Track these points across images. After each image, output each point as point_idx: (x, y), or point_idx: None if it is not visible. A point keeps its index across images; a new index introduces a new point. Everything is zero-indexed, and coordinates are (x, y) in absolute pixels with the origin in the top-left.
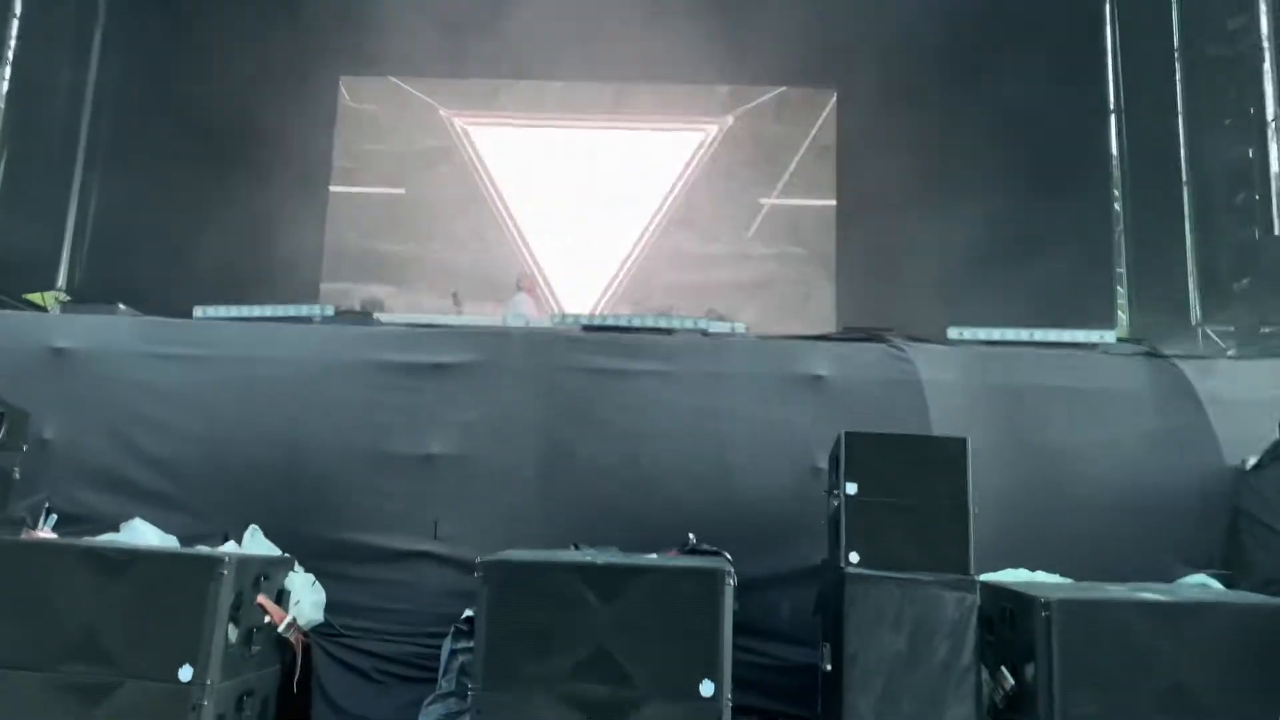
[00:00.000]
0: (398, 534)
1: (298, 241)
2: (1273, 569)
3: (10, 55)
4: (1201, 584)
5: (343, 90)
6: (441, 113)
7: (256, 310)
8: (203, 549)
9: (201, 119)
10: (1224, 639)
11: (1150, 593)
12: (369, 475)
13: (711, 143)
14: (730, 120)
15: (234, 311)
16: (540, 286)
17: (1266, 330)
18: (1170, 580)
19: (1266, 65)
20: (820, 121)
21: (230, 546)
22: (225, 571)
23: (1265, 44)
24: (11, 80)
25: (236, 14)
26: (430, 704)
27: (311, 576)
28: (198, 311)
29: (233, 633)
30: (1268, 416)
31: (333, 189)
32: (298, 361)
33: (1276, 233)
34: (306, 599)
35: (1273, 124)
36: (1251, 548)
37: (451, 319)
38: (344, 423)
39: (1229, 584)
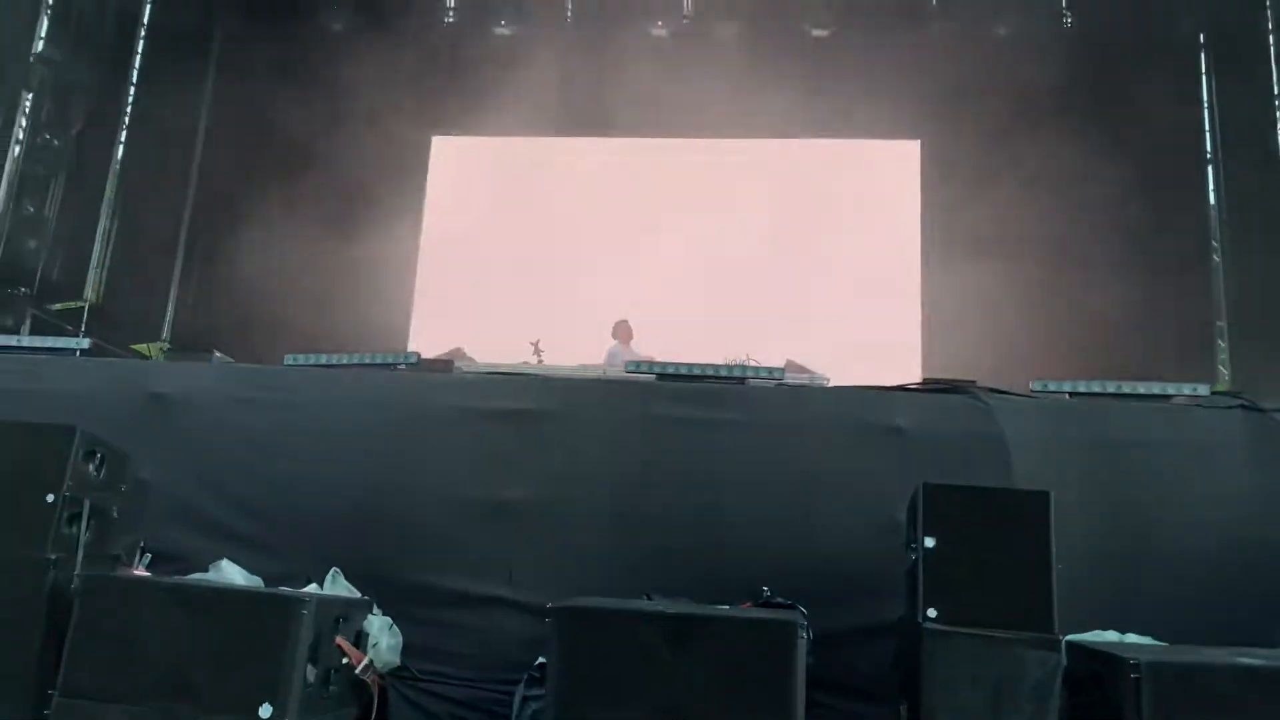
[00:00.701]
0: (473, 579)
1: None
2: None
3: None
4: None
5: (434, 147)
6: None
7: (344, 358)
8: (285, 589)
9: (301, 171)
10: None
11: (1250, 658)
12: (446, 520)
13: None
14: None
15: (321, 359)
16: (634, 336)
17: None
18: (1274, 645)
19: None
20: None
21: (312, 588)
22: (306, 611)
23: None
24: (128, 130)
25: (341, 66)
26: None
27: (389, 619)
28: (287, 359)
29: (311, 673)
30: None
31: (423, 242)
32: (381, 407)
33: None
34: (384, 641)
35: None
36: None
37: (532, 369)
38: (423, 468)
39: None
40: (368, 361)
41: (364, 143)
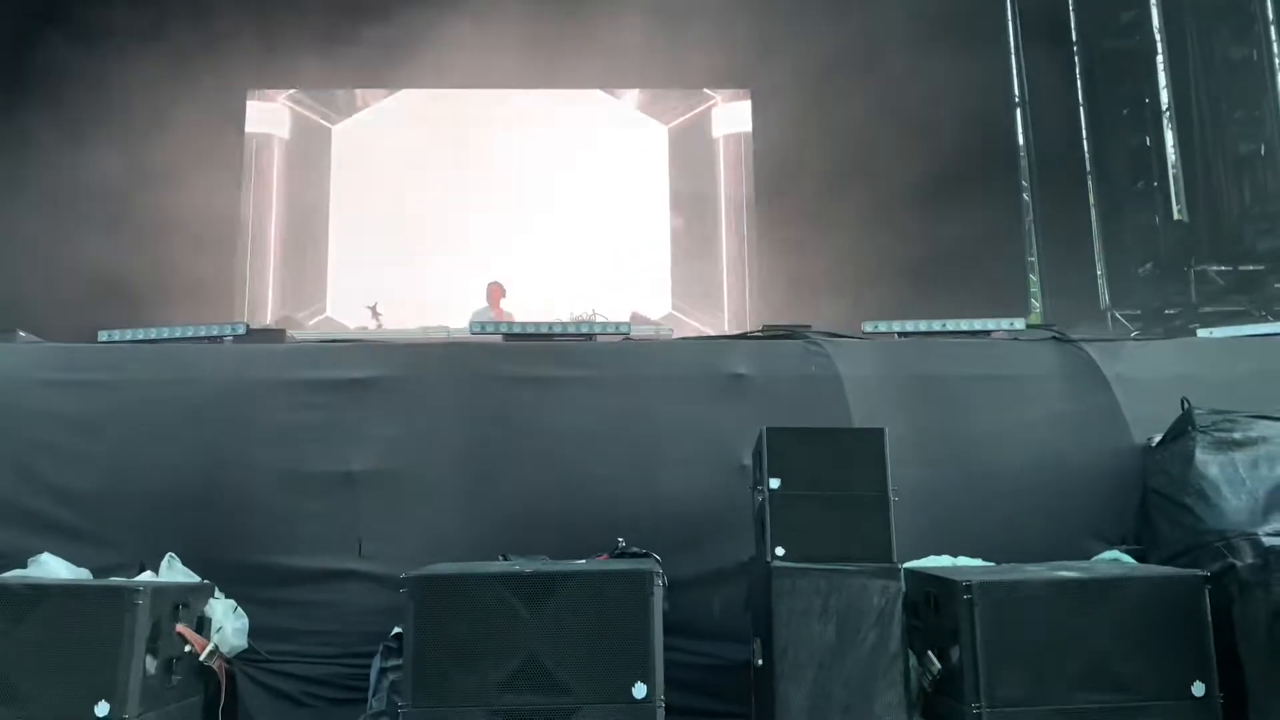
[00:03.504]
0: (321, 554)
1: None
2: (1179, 541)
3: None
4: (1114, 559)
5: (249, 108)
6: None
7: (164, 332)
8: (117, 580)
9: (103, 137)
10: (1137, 612)
11: (1067, 571)
12: (288, 496)
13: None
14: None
15: (139, 334)
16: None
17: (1170, 312)
18: (1087, 558)
19: (1159, 57)
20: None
21: (147, 576)
22: (140, 601)
23: (1157, 36)
24: None
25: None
26: None
27: (233, 602)
28: (102, 335)
29: (151, 664)
30: (1172, 395)
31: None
32: (209, 382)
33: (1175, 218)
34: (228, 625)
35: (1167, 113)
36: (1159, 522)
37: (371, 334)
38: (260, 444)
39: (1141, 558)
40: (190, 335)
41: (177, 101)
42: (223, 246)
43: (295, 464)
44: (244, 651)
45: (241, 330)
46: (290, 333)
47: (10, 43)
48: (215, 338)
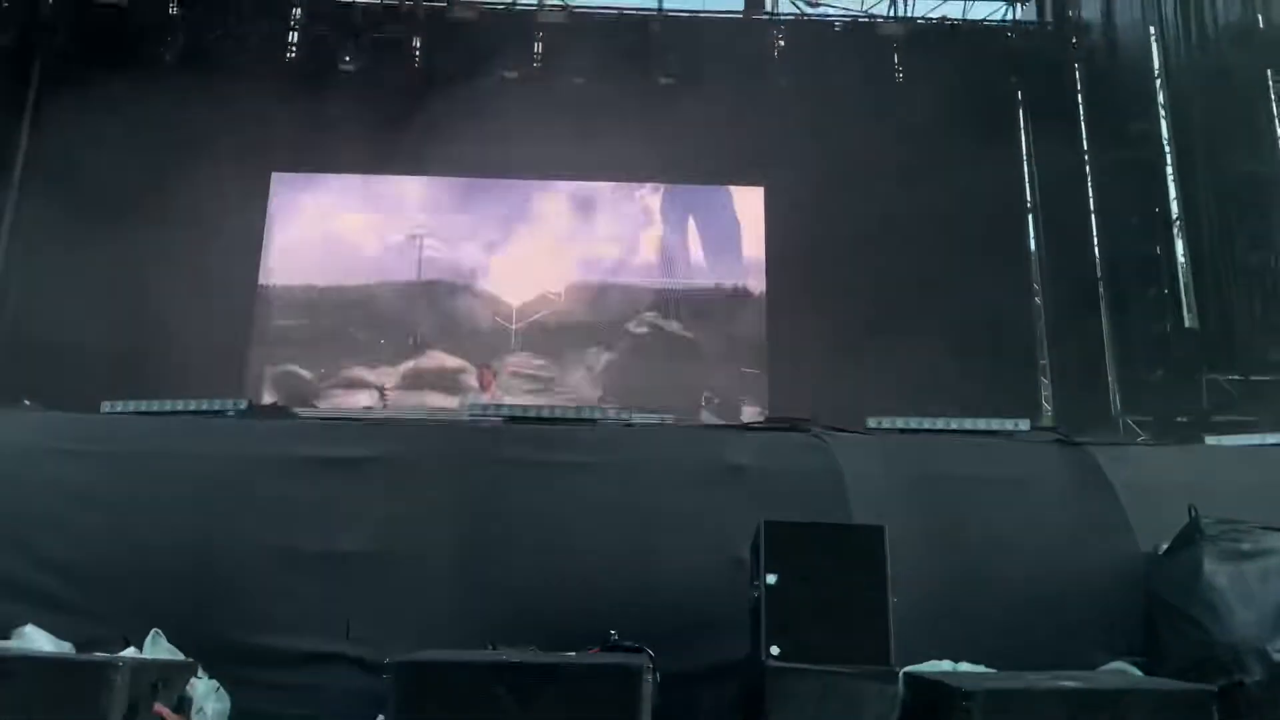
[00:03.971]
0: (308, 635)
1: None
2: (1185, 654)
3: None
4: (1120, 671)
5: (273, 184)
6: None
7: (167, 405)
8: (97, 655)
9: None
10: None
11: (1070, 681)
12: (280, 575)
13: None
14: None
15: (142, 406)
16: (496, 383)
17: (1181, 420)
18: (1091, 668)
19: (1169, 168)
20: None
21: (130, 653)
22: (118, 678)
23: (1166, 146)
24: None
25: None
26: None
27: (215, 683)
28: (104, 406)
29: None
30: (1179, 502)
31: (261, 282)
32: (208, 457)
33: (1187, 326)
34: (210, 707)
35: (1176, 223)
36: (1166, 633)
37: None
38: (254, 521)
39: (1147, 670)
40: (193, 409)
41: (199, 180)
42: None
43: (289, 542)
44: None
45: (244, 406)
46: (295, 410)
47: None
48: (217, 412)
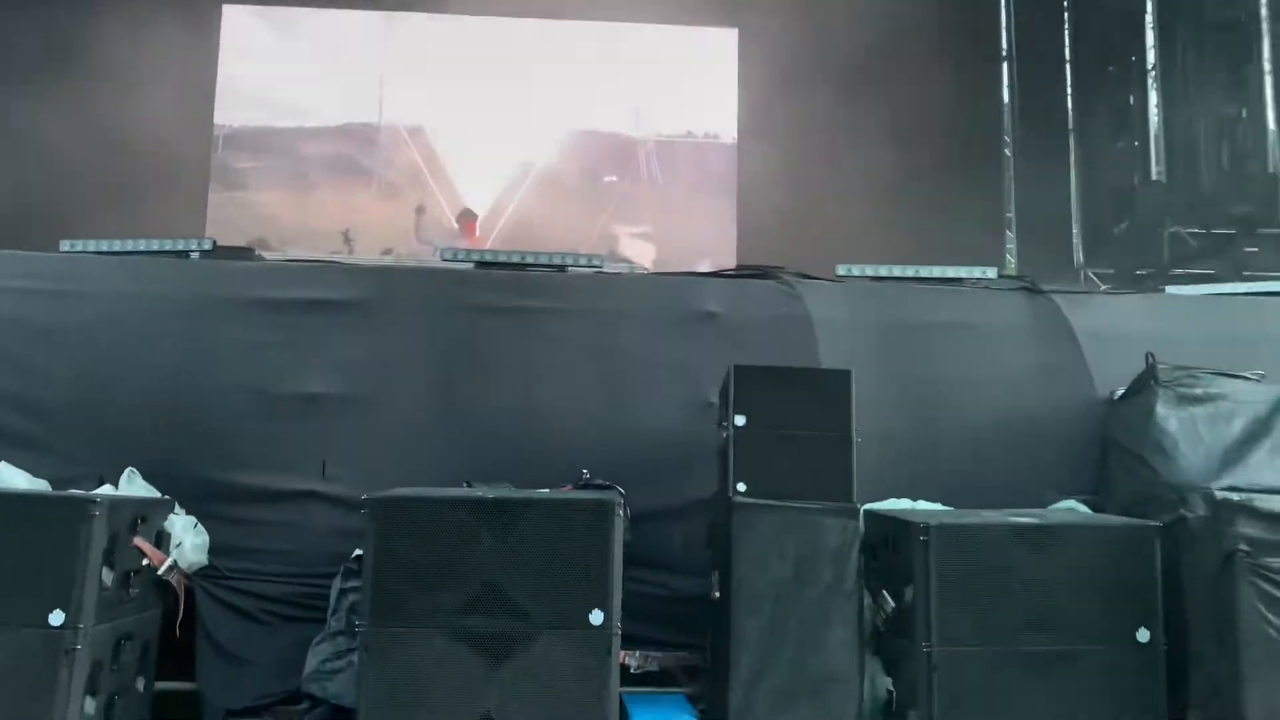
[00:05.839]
0: (283, 474)
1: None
2: (1134, 493)
3: None
4: (1070, 508)
5: (225, 17)
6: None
7: (129, 244)
8: (75, 491)
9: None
10: (1089, 559)
11: (1022, 517)
12: (252, 416)
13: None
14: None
15: (104, 245)
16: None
17: (1141, 272)
18: (1044, 507)
19: (1148, 15)
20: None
21: (106, 490)
22: (97, 512)
23: None
24: None
25: None
26: (319, 643)
27: (193, 519)
28: (64, 245)
29: (108, 576)
30: (1138, 350)
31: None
32: (174, 298)
33: (1153, 178)
34: (188, 541)
35: (1152, 72)
36: (1117, 473)
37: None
38: (224, 362)
39: (1096, 509)
40: (156, 248)
41: (143, 16)
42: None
43: (260, 384)
44: (204, 568)
45: (209, 246)
46: (259, 252)
47: None
48: (181, 252)
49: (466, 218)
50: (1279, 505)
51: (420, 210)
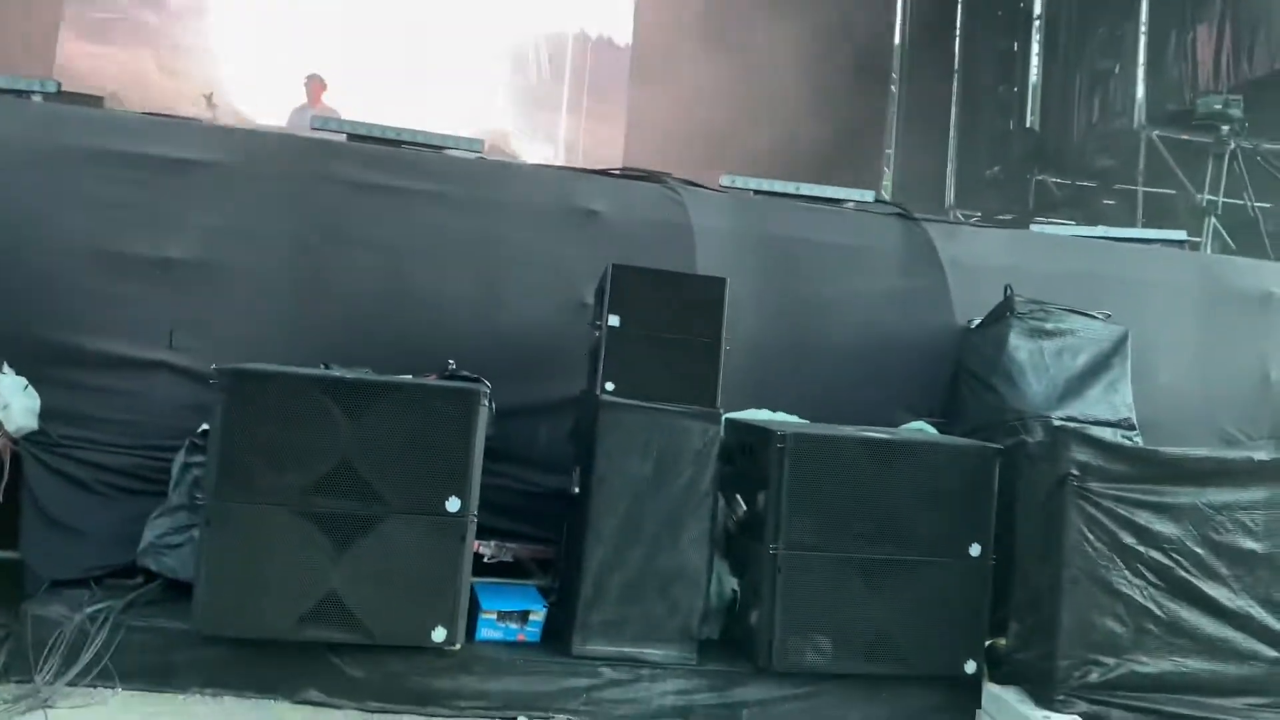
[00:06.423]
0: (127, 341)
1: None
2: (981, 417)
3: None
4: (919, 428)
5: None
6: None
7: None
8: None
9: None
10: (932, 476)
11: (873, 432)
12: (96, 276)
13: None
14: None
15: None
16: (327, 90)
17: (1004, 217)
18: (895, 425)
19: None
20: None
21: None
22: None
23: None
24: None
25: None
26: (157, 517)
27: (24, 380)
28: None
29: None
30: (998, 282)
31: None
32: (12, 142)
33: (1028, 125)
34: (16, 403)
35: (1037, 20)
36: (966, 398)
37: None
38: (68, 216)
39: (944, 431)
40: None
41: None
42: None
43: (106, 243)
44: (33, 433)
45: (53, 89)
46: (108, 103)
47: None
48: (20, 92)
49: (315, 82)
50: (1108, 436)
51: (211, 104)
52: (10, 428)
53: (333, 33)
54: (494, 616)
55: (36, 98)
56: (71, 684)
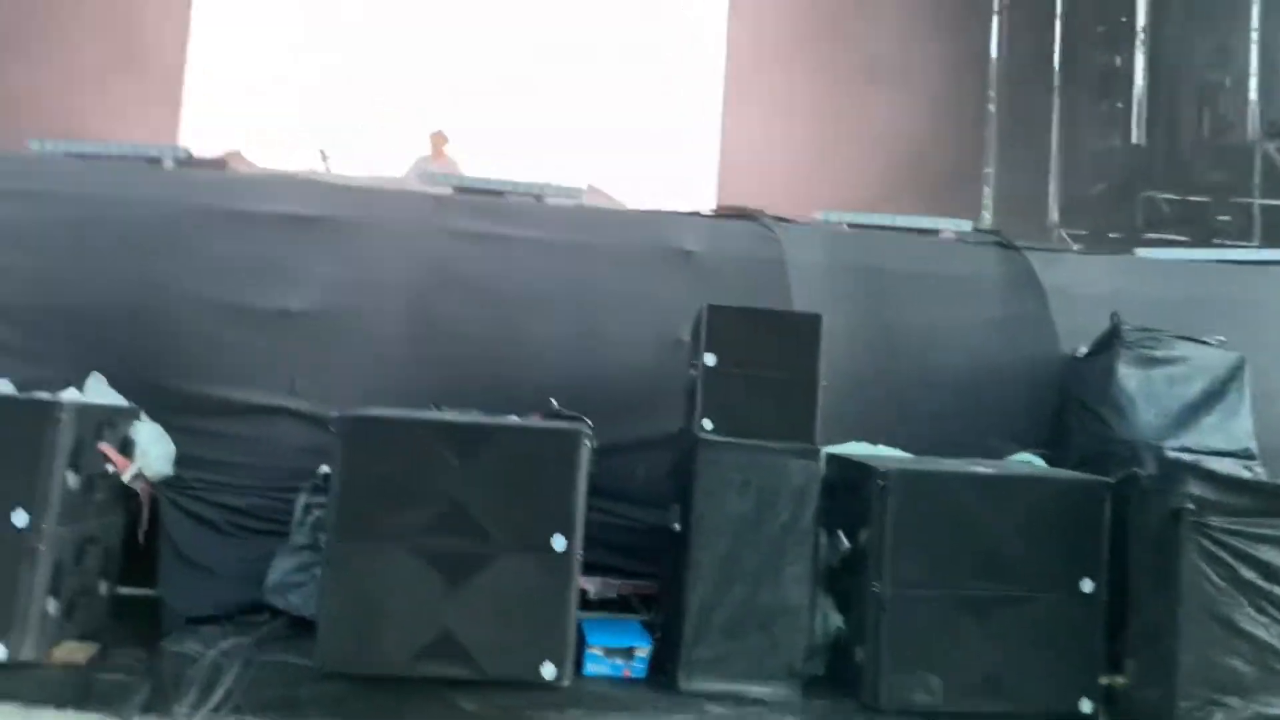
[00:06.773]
0: (252, 388)
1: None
2: (1089, 448)
3: None
4: (1026, 461)
5: None
6: None
7: (101, 148)
8: (42, 395)
9: None
10: (1041, 510)
11: (979, 467)
12: (222, 328)
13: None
14: None
15: (74, 147)
16: (451, 147)
17: (1114, 236)
18: (1000, 458)
19: None
20: None
21: (71, 394)
22: (64, 415)
23: None
24: None
25: None
26: (282, 556)
27: (160, 428)
28: (33, 145)
29: (73, 479)
30: (1104, 309)
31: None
32: (146, 204)
33: (1134, 142)
34: (154, 450)
35: (1142, 34)
36: (1074, 429)
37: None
38: (196, 273)
39: (1051, 462)
40: (129, 153)
41: None
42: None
43: (231, 296)
44: (169, 478)
45: (183, 155)
46: (232, 166)
47: None
48: (154, 159)
49: (438, 136)
50: (1225, 468)
51: (325, 159)
52: (149, 473)
53: (440, 87)
54: (601, 652)
55: (168, 163)
56: (207, 718)
